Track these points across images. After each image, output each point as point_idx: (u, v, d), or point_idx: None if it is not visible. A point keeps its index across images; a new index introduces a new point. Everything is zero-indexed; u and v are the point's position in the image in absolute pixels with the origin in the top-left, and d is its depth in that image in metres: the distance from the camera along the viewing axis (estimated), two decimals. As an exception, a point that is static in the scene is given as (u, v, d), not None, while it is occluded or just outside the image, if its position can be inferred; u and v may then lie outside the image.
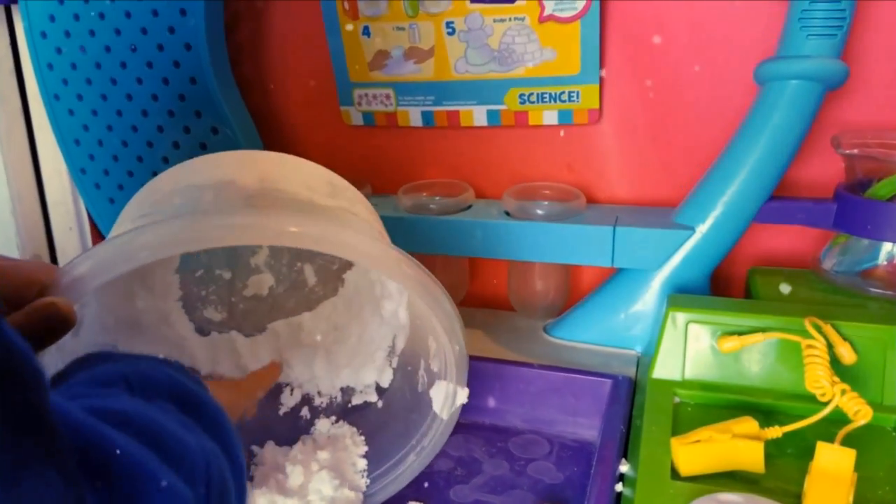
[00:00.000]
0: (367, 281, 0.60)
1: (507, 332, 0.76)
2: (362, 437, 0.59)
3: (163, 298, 0.58)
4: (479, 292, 0.83)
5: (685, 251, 0.66)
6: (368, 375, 0.60)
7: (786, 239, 0.72)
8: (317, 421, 0.60)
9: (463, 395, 0.52)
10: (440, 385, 0.53)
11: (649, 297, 0.68)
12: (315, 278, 0.64)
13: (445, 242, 0.72)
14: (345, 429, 0.59)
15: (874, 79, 0.65)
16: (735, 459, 0.48)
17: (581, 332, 0.72)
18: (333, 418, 0.60)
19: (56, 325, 0.33)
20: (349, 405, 0.61)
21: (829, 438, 0.49)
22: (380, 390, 0.60)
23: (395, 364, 0.60)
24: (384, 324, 0.59)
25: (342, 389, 0.61)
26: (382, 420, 0.59)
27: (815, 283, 0.66)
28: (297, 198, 0.46)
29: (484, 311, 0.81)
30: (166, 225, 0.38)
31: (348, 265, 0.62)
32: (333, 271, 0.63)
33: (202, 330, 0.61)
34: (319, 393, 0.61)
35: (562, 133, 0.75)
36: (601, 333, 0.71)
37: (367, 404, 0.61)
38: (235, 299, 0.63)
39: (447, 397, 0.53)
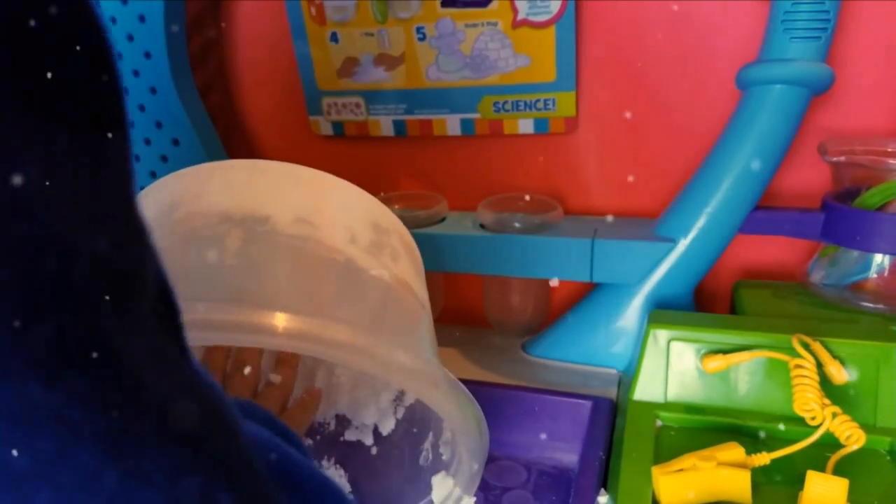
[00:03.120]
0: None
1: (483, 351, 0.73)
2: (348, 484, 0.55)
3: None
4: (454, 308, 0.80)
5: (667, 265, 0.63)
6: (369, 415, 0.56)
7: (772, 251, 0.69)
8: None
9: (469, 503, 0.49)
10: (445, 481, 0.50)
11: (630, 314, 0.65)
12: None
13: (418, 257, 0.69)
14: (332, 471, 0.56)
15: (861, 83, 0.62)
16: (720, 489, 0.45)
17: (560, 350, 0.69)
18: (328, 460, 0.57)
19: None
20: (341, 438, 0.57)
21: (821, 464, 0.47)
22: (377, 436, 0.57)
23: (400, 415, 0.56)
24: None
25: (337, 417, 0.58)
26: (373, 470, 0.56)
27: (802, 296, 0.63)
28: (333, 255, 0.40)
29: (460, 328, 0.78)
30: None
31: None
32: None
33: None
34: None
35: (538, 142, 0.72)
36: (581, 352, 0.68)
37: (360, 445, 0.57)
38: None
39: (449, 498, 0.49)
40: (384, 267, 0.42)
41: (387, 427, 0.56)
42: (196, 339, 0.31)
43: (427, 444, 0.53)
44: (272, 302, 0.36)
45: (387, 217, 0.46)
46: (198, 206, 0.41)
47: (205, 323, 0.32)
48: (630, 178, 0.71)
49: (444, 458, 0.51)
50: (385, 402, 0.56)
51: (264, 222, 0.39)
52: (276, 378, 0.51)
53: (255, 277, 0.37)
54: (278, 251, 0.39)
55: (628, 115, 0.69)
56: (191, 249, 0.38)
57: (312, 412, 0.52)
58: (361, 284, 0.41)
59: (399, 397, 0.56)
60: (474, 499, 0.50)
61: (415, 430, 0.55)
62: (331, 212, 0.43)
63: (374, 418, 0.56)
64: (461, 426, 0.42)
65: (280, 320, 0.34)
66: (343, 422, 0.58)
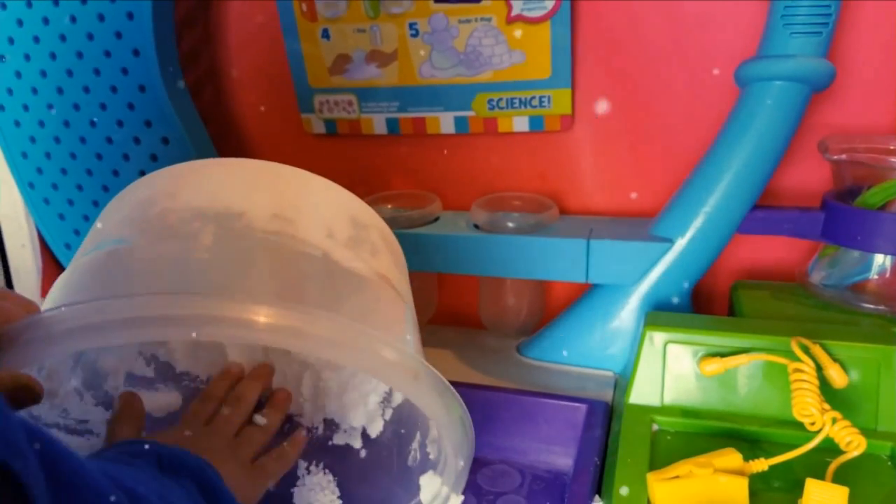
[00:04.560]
0: None
1: (478, 353, 0.71)
2: (337, 489, 0.54)
3: None
4: (449, 309, 0.79)
5: (664, 265, 0.62)
6: (357, 418, 0.55)
7: (771, 251, 0.68)
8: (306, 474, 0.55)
9: (457, 502, 0.48)
10: (433, 479, 0.48)
11: (627, 315, 0.64)
12: None
13: (412, 257, 0.67)
14: (320, 476, 0.55)
15: (863, 79, 0.61)
16: (717, 497, 0.44)
17: (555, 352, 0.68)
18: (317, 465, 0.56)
19: (26, 401, 0.34)
20: (330, 443, 0.56)
21: (820, 469, 0.46)
22: (365, 438, 0.56)
23: (388, 416, 0.55)
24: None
25: (325, 422, 0.57)
26: (362, 473, 0.55)
27: (802, 297, 0.62)
28: (311, 251, 0.39)
29: (454, 329, 0.77)
30: (155, 304, 0.32)
31: None
32: None
33: None
34: (302, 416, 0.57)
35: (533, 140, 0.71)
36: (576, 353, 0.67)
37: (348, 449, 0.56)
38: None
39: (437, 497, 0.48)
40: (363, 261, 0.42)
41: (375, 429, 0.55)
42: (164, 334, 0.31)
43: (415, 444, 0.52)
44: (247, 296, 0.35)
45: (366, 213, 0.46)
46: (173, 203, 0.40)
47: (172, 318, 0.31)
48: (628, 188, 0.70)
49: (431, 457, 0.50)
50: (373, 405, 0.55)
51: (238, 218, 0.39)
52: (261, 420, 0.50)
53: (228, 272, 0.36)
54: (253, 246, 0.38)
55: (624, 112, 0.68)
56: (164, 245, 0.38)
57: (290, 462, 0.50)
58: (338, 277, 0.40)
59: (387, 398, 0.55)
60: (462, 497, 0.48)
61: (402, 430, 0.54)
62: (308, 208, 0.42)
63: (363, 421, 0.55)
64: (444, 421, 0.41)
65: (255, 314, 0.33)
66: (331, 426, 0.57)
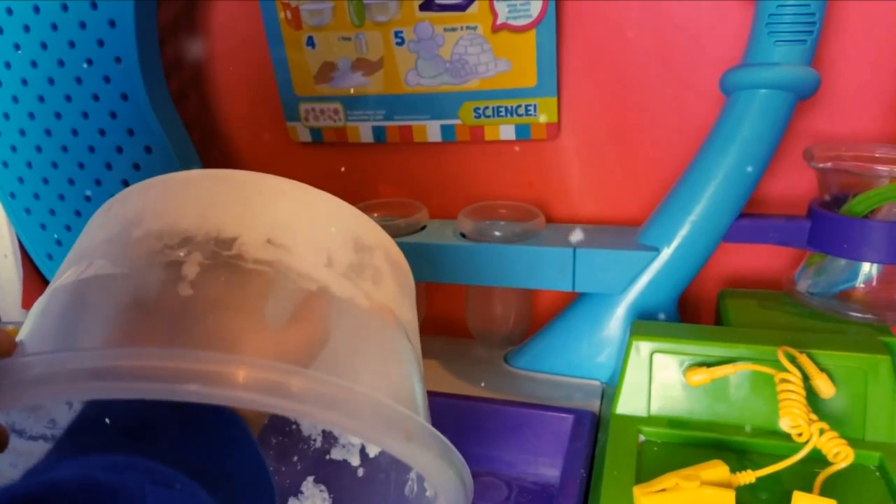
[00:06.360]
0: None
1: (464, 363, 0.71)
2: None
3: None
4: (436, 318, 0.78)
5: (650, 274, 0.61)
6: None
7: (758, 259, 0.68)
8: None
9: None
10: None
11: (614, 324, 0.63)
12: None
13: (397, 267, 0.68)
14: (315, 491, 0.54)
15: (848, 87, 0.61)
16: (704, 509, 0.43)
17: (542, 361, 0.67)
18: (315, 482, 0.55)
19: None
20: (327, 456, 0.55)
21: (808, 481, 0.45)
22: (363, 456, 0.55)
23: None
24: None
25: (324, 434, 0.56)
26: (357, 492, 0.54)
27: (789, 305, 0.62)
28: (305, 284, 0.36)
29: (441, 339, 0.76)
30: (141, 360, 0.28)
31: None
32: None
33: None
34: (300, 428, 0.56)
35: (518, 149, 0.70)
36: (563, 363, 0.66)
37: (346, 464, 0.55)
38: None
39: None
40: (363, 292, 0.39)
41: (374, 448, 0.54)
42: (133, 390, 0.27)
43: (413, 475, 0.51)
44: (228, 344, 0.32)
45: (371, 232, 0.42)
46: (159, 223, 0.37)
47: (145, 371, 0.28)
48: (615, 196, 0.69)
49: (428, 494, 0.48)
50: None
51: (230, 245, 0.36)
52: None
53: (210, 313, 0.34)
54: (242, 280, 0.35)
55: (610, 121, 0.67)
56: (147, 276, 0.35)
57: None
58: (335, 315, 0.37)
59: None
60: None
61: None
62: (306, 230, 0.39)
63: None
64: (441, 480, 0.37)
65: (232, 369, 0.29)
66: (329, 439, 0.56)
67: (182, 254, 0.35)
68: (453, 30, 0.66)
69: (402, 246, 0.66)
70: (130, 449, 0.29)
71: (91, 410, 0.32)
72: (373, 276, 0.40)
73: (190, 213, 0.37)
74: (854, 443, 0.46)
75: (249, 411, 0.34)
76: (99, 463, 0.28)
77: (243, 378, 0.28)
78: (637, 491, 0.44)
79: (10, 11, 0.69)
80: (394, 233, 0.66)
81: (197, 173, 0.41)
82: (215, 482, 0.30)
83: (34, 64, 0.70)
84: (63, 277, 0.39)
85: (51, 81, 0.71)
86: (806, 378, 0.49)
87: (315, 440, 0.55)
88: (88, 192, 0.75)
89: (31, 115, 0.73)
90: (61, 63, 0.70)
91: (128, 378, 0.27)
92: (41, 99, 0.72)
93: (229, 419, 0.33)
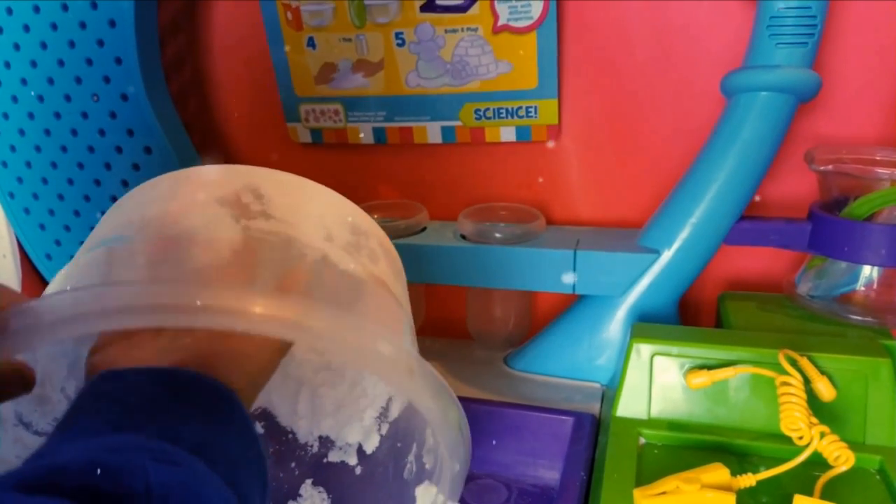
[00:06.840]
0: None
1: (464, 365, 0.71)
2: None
3: None
4: (436, 320, 0.78)
5: (651, 276, 0.61)
6: (353, 434, 0.54)
7: (758, 262, 0.68)
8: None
9: None
10: (429, 490, 0.47)
11: (614, 326, 0.63)
12: None
13: (398, 268, 0.68)
14: (314, 494, 0.54)
15: (849, 90, 0.61)
16: (704, 513, 0.43)
17: (542, 363, 0.67)
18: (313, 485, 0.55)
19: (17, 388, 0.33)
20: (325, 460, 0.55)
21: (809, 484, 0.45)
22: (361, 454, 0.55)
23: (384, 431, 0.54)
24: (381, 382, 0.54)
25: (321, 439, 0.56)
26: (357, 490, 0.54)
27: (789, 308, 0.62)
28: (307, 251, 0.39)
29: (441, 340, 0.76)
30: (155, 287, 0.31)
31: None
32: None
33: None
34: (297, 436, 0.56)
35: (520, 150, 0.70)
36: (564, 365, 0.66)
37: (344, 465, 0.55)
38: None
39: None
40: (362, 266, 0.41)
41: (371, 445, 0.54)
42: (159, 321, 0.30)
43: (411, 457, 0.51)
44: (243, 287, 0.35)
45: (366, 221, 0.45)
46: (171, 205, 0.40)
47: (166, 307, 0.30)
48: (615, 198, 0.69)
49: (427, 466, 0.48)
50: (369, 420, 0.54)
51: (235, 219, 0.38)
52: None
53: (226, 267, 0.36)
54: (250, 243, 0.37)
55: (611, 123, 0.67)
56: (165, 241, 0.38)
57: None
58: (336, 279, 0.39)
59: (383, 413, 0.54)
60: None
61: (399, 444, 0.53)
62: (306, 211, 0.41)
63: (359, 437, 0.54)
64: (439, 420, 0.39)
65: (251, 304, 0.31)
66: (326, 443, 0.56)
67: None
68: (454, 31, 0.65)
69: (402, 247, 0.67)
70: (129, 428, 0.30)
71: (89, 392, 0.33)
72: (369, 255, 0.43)
73: (199, 195, 0.41)
74: (855, 446, 0.46)
75: (245, 391, 0.36)
76: (100, 444, 0.28)
77: (261, 307, 0.30)
78: (637, 494, 0.44)
79: (10, 11, 0.69)
80: (394, 234, 0.67)
81: (204, 168, 0.43)
82: (213, 459, 0.30)
83: (34, 64, 0.70)
84: (82, 254, 0.41)
85: (50, 81, 0.71)
86: (806, 381, 0.49)
87: (312, 446, 0.55)
88: (87, 192, 0.75)
89: (31, 115, 0.73)
90: (61, 63, 0.69)
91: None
92: (41, 99, 0.72)
93: (223, 396, 0.34)
